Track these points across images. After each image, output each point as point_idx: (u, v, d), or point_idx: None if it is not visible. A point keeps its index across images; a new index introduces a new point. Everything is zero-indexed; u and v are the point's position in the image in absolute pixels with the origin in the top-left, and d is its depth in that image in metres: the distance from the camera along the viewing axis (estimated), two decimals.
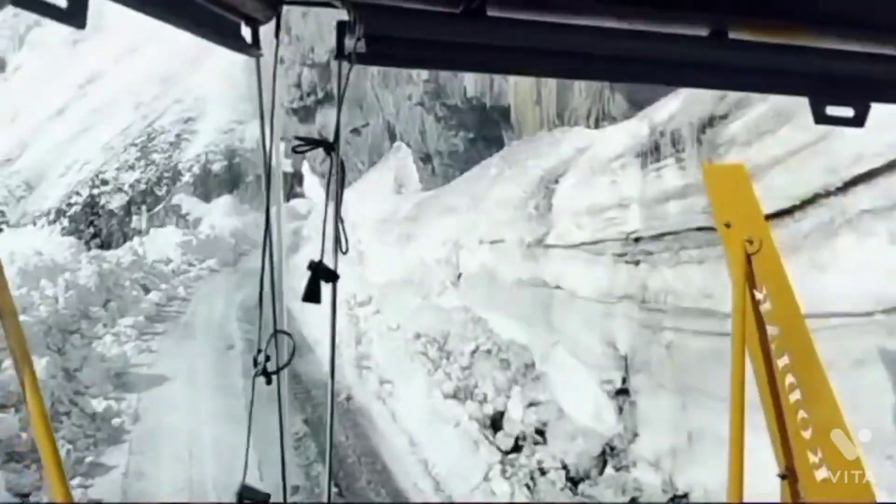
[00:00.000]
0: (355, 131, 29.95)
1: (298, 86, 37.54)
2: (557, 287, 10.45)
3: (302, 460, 10.44)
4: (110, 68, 71.93)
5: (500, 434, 10.18)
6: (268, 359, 1.65)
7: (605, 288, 9.48)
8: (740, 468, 2.02)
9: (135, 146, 52.99)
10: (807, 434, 2.11)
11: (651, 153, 9.33)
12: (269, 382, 1.64)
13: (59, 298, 16.03)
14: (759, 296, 2.26)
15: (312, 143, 1.67)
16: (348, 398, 12.20)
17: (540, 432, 9.83)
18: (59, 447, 1.99)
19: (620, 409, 8.90)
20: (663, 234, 8.43)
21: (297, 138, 1.72)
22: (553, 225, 11.12)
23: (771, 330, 2.24)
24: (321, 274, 1.58)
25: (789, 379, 2.18)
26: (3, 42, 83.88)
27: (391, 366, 13.02)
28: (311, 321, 16.73)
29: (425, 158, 23.36)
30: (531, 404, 10.22)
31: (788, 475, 2.16)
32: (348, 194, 26.19)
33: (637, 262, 9.04)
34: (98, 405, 10.97)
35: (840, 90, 1.76)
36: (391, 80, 24.89)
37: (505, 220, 12.91)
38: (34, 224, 51.46)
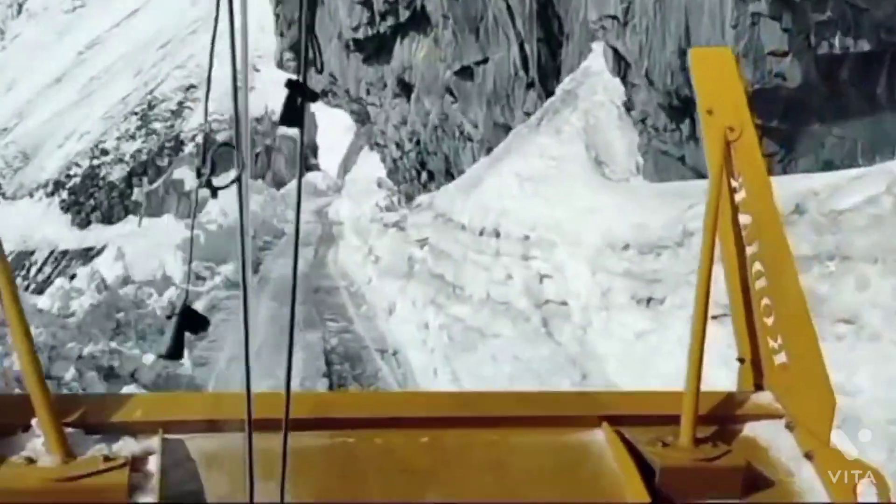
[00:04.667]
0: (463, 72, 19.17)
1: (366, 3, 24.52)
2: None
3: None
4: (109, 34, 71.52)
5: None
6: (213, 171, 1.27)
7: None
8: (700, 356, 2.01)
9: (135, 115, 51.81)
10: (769, 321, 2.17)
11: None
12: (214, 196, 1.30)
13: None
14: (734, 184, 2.29)
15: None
16: None
17: None
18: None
19: None
20: None
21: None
22: None
23: (743, 219, 2.27)
24: (300, 94, 1.24)
25: (757, 266, 2.23)
26: (1, 9, 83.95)
27: None
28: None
29: (678, 108, 11.39)
30: None
31: (747, 360, 2.24)
32: (482, 189, 14.20)
33: None
34: None
35: None
36: None
37: None
38: (31, 196, 50.71)
